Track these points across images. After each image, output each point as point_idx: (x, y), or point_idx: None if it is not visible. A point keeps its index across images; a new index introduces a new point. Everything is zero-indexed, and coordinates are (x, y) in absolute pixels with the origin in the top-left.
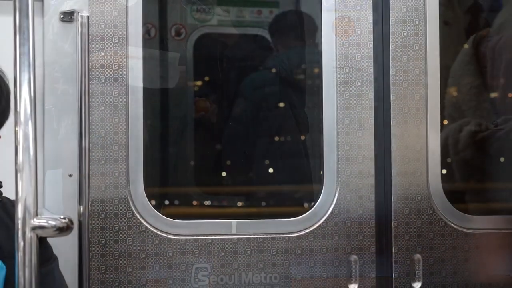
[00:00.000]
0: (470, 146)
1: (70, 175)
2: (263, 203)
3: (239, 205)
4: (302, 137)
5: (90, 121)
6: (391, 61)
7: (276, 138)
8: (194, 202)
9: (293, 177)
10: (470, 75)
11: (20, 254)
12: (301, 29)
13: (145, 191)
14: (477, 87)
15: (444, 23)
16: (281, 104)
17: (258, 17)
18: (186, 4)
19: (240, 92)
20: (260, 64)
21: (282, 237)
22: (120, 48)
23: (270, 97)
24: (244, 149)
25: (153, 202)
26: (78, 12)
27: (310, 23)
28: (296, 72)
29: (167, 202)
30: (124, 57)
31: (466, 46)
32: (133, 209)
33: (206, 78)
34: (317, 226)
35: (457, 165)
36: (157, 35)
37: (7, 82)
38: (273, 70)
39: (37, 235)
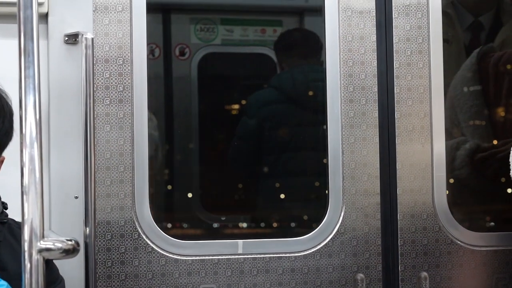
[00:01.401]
0: (467, 164)
1: (76, 197)
2: (270, 223)
3: (245, 226)
4: (307, 155)
5: (95, 142)
6: (395, 79)
7: (281, 156)
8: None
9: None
10: (471, 93)
11: (27, 276)
12: (306, 48)
13: (151, 212)
14: (478, 106)
15: (446, 41)
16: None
17: (262, 36)
18: (190, 24)
19: (244, 110)
20: (265, 83)
21: (288, 256)
22: (125, 69)
23: (275, 116)
24: (249, 168)
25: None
26: (83, 34)
27: (314, 41)
28: (301, 90)
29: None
30: (129, 78)
31: (467, 62)
32: (139, 230)
33: (211, 98)
34: (323, 245)
35: (455, 183)
36: (161, 55)
37: (10, 104)
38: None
39: (43, 257)
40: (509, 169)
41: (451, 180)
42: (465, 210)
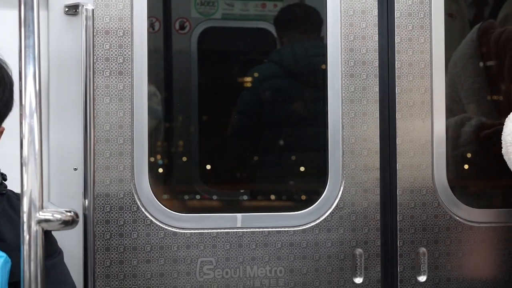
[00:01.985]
0: (473, 141)
1: (75, 169)
2: (268, 197)
3: (244, 199)
4: (308, 130)
5: (95, 114)
6: (396, 54)
7: (282, 131)
8: (199, 197)
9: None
10: (472, 70)
11: (26, 247)
12: (306, 23)
13: (150, 184)
14: (480, 82)
15: (449, 15)
16: (287, 97)
17: (263, 10)
18: None
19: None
20: (265, 57)
21: (287, 230)
22: (125, 41)
23: (275, 90)
24: (249, 143)
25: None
26: (83, 5)
27: (315, 16)
28: (301, 65)
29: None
30: (129, 50)
31: (468, 39)
32: (138, 203)
33: (211, 72)
34: (322, 220)
35: (459, 160)
36: (161, 28)
37: (10, 74)
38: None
39: (42, 229)
40: None
41: (453, 156)
42: (465, 186)
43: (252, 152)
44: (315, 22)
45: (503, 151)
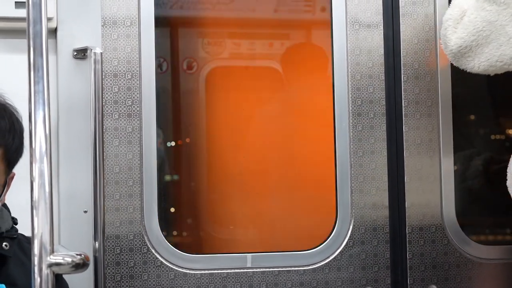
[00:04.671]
0: (482, 176)
1: (85, 211)
2: (277, 236)
3: (253, 238)
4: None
5: (104, 157)
6: (403, 93)
7: (289, 170)
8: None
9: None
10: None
11: None
12: (313, 61)
13: (159, 225)
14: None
15: None
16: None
17: (270, 49)
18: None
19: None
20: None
21: (297, 269)
22: (133, 83)
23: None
24: (258, 181)
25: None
26: (92, 49)
27: (321, 55)
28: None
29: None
30: (138, 93)
31: None
32: (148, 244)
33: (219, 111)
34: (332, 259)
35: (468, 196)
36: (169, 69)
37: (20, 120)
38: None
39: (53, 272)
40: None
41: (461, 193)
42: (475, 223)
43: (261, 192)
44: (321, 60)
45: (508, 182)
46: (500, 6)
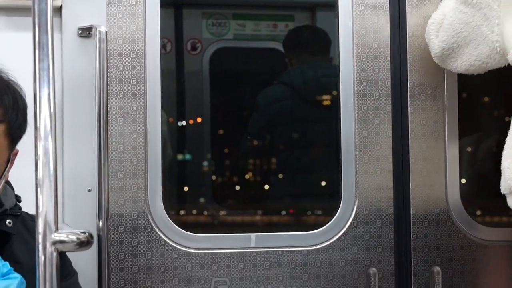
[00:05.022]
0: (487, 159)
1: (89, 190)
2: (281, 216)
3: (257, 218)
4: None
5: (108, 135)
6: (408, 74)
7: (293, 152)
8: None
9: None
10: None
11: (41, 268)
12: (318, 42)
13: (163, 205)
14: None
15: None
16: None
17: (274, 31)
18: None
19: (255, 106)
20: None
21: (301, 250)
22: (138, 62)
23: (286, 111)
24: (260, 162)
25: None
26: (96, 28)
27: (326, 36)
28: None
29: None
30: (142, 72)
31: None
32: (152, 223)
33: (222, 92)
34: (336, 239)
35: (473, 178)
36: (173, 49)
37: (24, 97)
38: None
39: (57, 250)
40: None
41: (466, 174)
42: (479, 204)
43: (264, 171)
44: (323, 43)
45: (502, 165)
46: (474, 8)
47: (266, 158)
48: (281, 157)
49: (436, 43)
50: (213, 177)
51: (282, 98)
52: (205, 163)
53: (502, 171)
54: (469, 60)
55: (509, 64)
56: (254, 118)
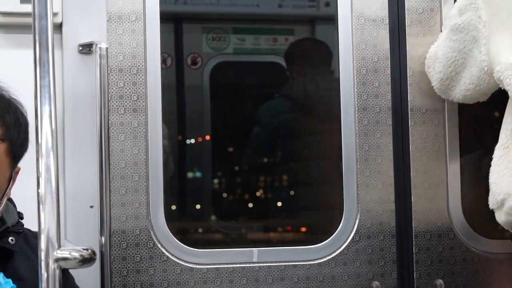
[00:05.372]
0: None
1: (91, 206)
2: (283, 231)
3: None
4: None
5: (110, 152)
6: (408, 87)
7: (294, 165)
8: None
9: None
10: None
11: (44, 285)
12: (318, 56)
13: (166, 221)
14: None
15: None
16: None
17: (274, 44)
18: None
19: (256, 120)
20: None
21: (304, 264)
22: (139, 78)
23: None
24: (262, 176)
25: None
26: (97, 44)
27: (326, 49)
28: (314, 98)
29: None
30: (143, 88)
31: None
32: (154, 239)
33: (223, 106)
34: (338, 253)
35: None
36: (174, 64)
37: (25, 114)
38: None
39: (60, 267)
40: None
41: (467, 187)
42: (481, 217)
43: (266, 187)
44: (326, 55)
45: (491, 180)
46: (462, 32)
47: (268, 172)
48: (283, 170)
49: (434, 75)
50: (215, 192)
51: (283, 111)
52: (207, 178)
53: (490, 187)
54: (465, 85)
55: (500, 88)
56: (255, 132)
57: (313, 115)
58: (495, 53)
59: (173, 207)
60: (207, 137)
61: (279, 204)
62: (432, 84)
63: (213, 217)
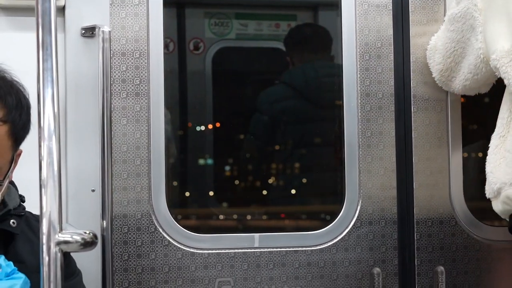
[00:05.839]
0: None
1: (93, 190)
2: (285, 216)
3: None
4: (321, 150)
5: (112, 135)
6: (411, 74)
7: (295, 152)
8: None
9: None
10: None
11: (45, 269)
12: (321, 42)
13: (167, 205)
14: None
15: None
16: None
17: (277, 30)
18: (204, 18)
19: (257, 106)
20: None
21: (305, 250)
22: (141, 62)
23: (288, 111)
24: (262, 162)
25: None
26: (100, 28)
27: (329, 35)
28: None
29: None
30: (145, 72)
31: None
32: (156, 223)
33: (225, 92)
34: (340, 239)
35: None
36: (176, 49)
37: (27, 97)
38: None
39: (61, 250)
40: None
41: (470, 174)
42: (483, 203)
43: (267, 173)
44: (324, 42)
45: (487, 169)
46: (459, 22)
47: (270, 159)
48: (284, 157)
49: (434, 67)
50: (217, 177)
51: (283, 98)
52: (208, 163)
53: (486, 176)
54: (463, 74)
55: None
56: (255, 118)
57: (314, 101)
58: (491, 41)
59: (175, 192)
60: (209, 124)
61: (280, 190)
62: (433, 76)
63: (215, 203)
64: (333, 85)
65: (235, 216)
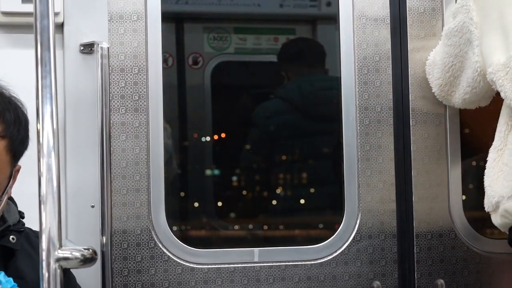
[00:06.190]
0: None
1: (92, 206)
2: (284, 231)
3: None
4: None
5: (111, 151)
6: (410, 87)
7: (293, 165)
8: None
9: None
10: None
11: (45, 285)
12: (318, 55)
13: (167, 220)
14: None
15: None
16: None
17: (275, 44)
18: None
19: (253, 120)
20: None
21: (305, 264)
22: (140, 78)
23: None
24: (261, 175)
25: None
26: (98, 44)
27: (318, 50)
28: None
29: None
30: (144, 87)
31: None
32: (155, 239)
33: (224, 106)
34: (340, 253)
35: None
36: (175, 64)
37: (25, 113)
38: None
39: (61, 267)
40: None
41: (469, 187)
42: (482, 216)
43: (265, 187)
44: (318, 56)
45: (486, 183)
46: (457, 36)
47: (268, 172)
48: (283, 170)
49: (434, 82)
50: (216, 191)
51: (279, 112)
52: (208, 177)
53: (485, 189)
54: (463, 88)
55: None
56: (253, 132)
57: (311, 115)
58: (487, 54)
59: (174, 207)
60: (208, 137)
61: (278, 203)
62: (433, 91)
63: (213, 217)
64: (331, 98)
65: (235, 229)
